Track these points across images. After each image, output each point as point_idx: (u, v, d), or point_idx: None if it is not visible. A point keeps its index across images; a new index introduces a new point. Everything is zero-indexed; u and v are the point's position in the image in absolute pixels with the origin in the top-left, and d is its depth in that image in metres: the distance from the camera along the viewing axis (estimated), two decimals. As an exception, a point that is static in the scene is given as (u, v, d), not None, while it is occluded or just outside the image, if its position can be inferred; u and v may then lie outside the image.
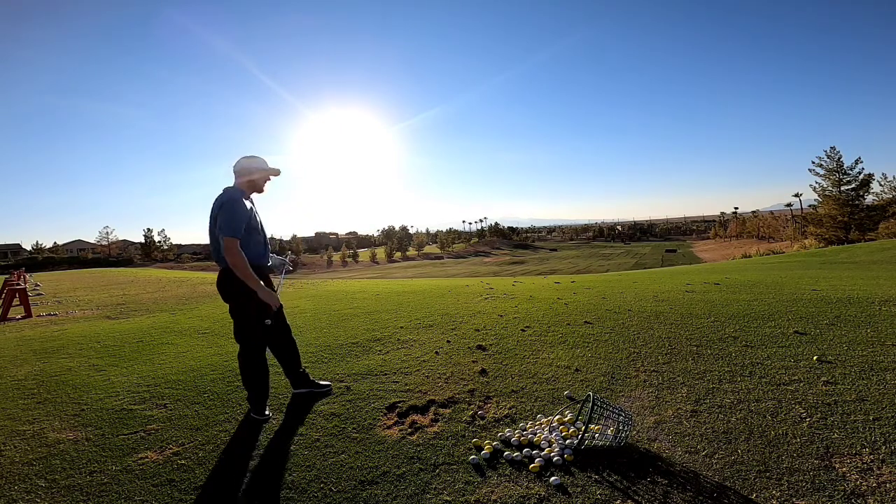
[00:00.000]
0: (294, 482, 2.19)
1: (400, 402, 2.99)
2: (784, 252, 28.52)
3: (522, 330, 4.61)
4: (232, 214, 2.65)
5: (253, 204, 2.89)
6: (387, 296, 7.33)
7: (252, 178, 2.87)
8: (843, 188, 38.90)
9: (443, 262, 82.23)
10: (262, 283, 2.72)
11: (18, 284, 8.73)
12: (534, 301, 6.13)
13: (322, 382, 3.26)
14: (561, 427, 2.50)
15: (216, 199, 2.78)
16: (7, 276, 12.40)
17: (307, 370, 3.28)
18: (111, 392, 3.42)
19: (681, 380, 3.11)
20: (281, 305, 2.90)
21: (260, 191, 2.94)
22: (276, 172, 2.98)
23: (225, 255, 2.63)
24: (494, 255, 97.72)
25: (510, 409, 2.83)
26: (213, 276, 14.16)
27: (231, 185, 2.87)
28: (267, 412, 2.89)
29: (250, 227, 2.77)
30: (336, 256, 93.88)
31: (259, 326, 2.80)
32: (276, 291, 2.94)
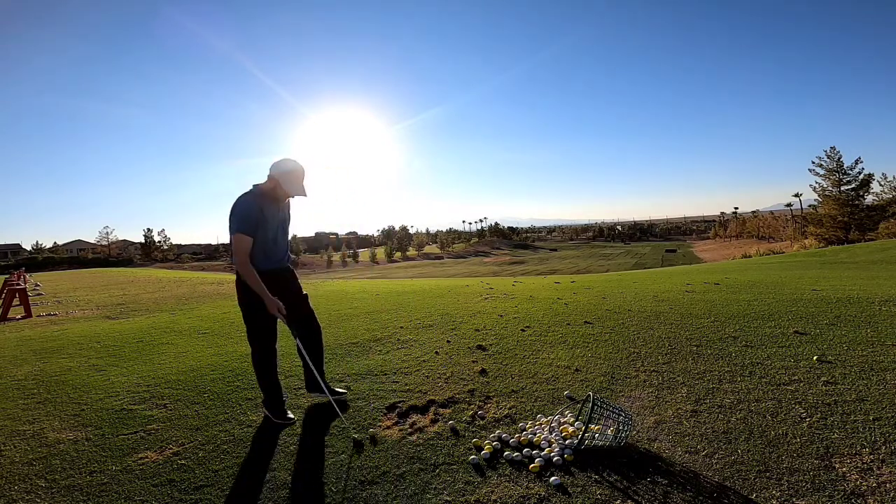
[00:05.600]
0: (294, 482, 2.19)
1: (400, 402, 2.98)
2: (784, 252, 28.52)
3: (522, 330, 4.61)
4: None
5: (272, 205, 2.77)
6: (387, 296, 7.32)
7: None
8: (843, 188, 38.93)
9: (443, 262, 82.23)
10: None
11: (18, 284, 8.73)
12: (534, 301, 6.13)
13: (338, 389, 3.13)
14: (561, 427, 2.50)
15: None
16: (7, 276, 12.40)
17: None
18: (111, 392, 3.42)
19: (681, 380, 3.11)
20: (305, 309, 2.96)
21: (276, 199, 2.79)
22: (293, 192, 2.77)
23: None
24: (494, 255, 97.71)
25: (510, 409, 2.83)
26: (212, 276, 14.16)
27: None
28: (289, 415, 2.82)
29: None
30: (336, 256, 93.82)
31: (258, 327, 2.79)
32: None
